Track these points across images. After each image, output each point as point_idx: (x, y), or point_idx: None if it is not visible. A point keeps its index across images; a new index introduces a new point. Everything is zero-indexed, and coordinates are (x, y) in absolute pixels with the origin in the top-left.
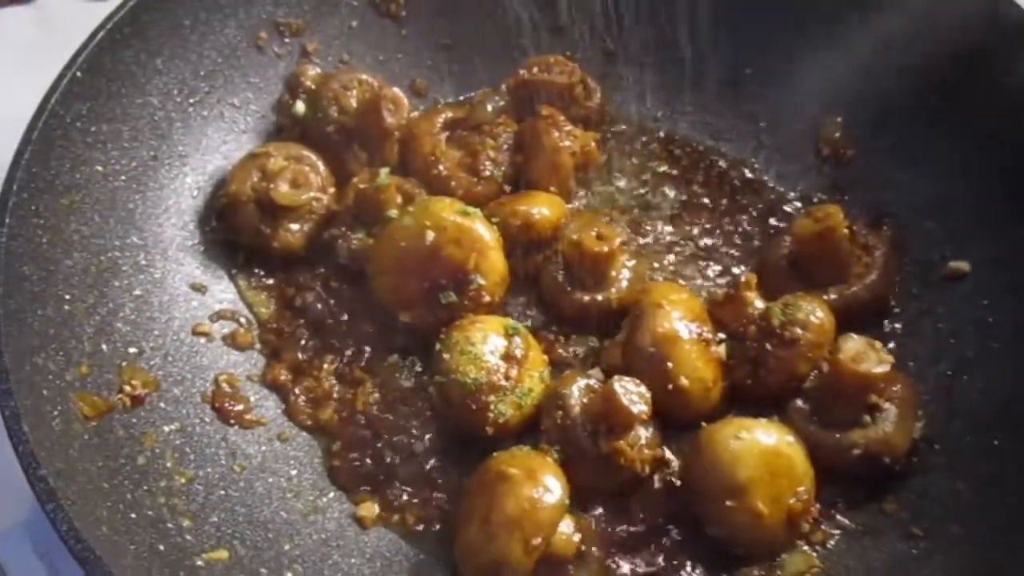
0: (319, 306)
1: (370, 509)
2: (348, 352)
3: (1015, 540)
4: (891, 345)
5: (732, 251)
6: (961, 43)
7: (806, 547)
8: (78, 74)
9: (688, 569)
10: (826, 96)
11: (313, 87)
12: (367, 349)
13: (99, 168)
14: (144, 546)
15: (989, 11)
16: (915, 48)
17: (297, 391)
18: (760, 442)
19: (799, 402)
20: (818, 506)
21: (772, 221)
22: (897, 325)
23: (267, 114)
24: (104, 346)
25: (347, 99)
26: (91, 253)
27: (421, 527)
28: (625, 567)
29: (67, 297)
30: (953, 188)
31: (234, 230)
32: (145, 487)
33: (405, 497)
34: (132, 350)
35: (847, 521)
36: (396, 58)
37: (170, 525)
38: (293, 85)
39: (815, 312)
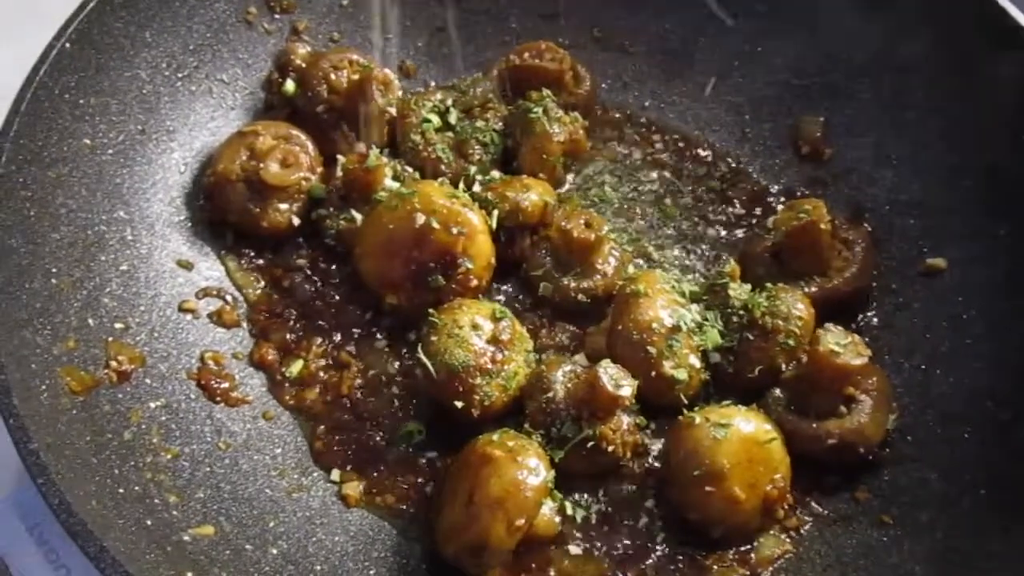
0: (307, 287)
1: (355, 488)
2: (336, 335)
3: (980, 528)
4: (867, 338)
5: (717, 240)
6: (943, 43)
7: (780, 532)
8: (67, 45)
9: (665, 551)
10: (808, 94)
11: (303, 66)
12: (355, 332)
13: (87, 141)
14: (132, 521)
15: (971, 11)
16: (897, 48)
17: (284, 372)
18: (739, 430)
19: (777, 391)
20: (793, 493)
21: (756, 212)
22: (874, 318)
23: (256, 91)
24: (91, 320)
25: (337, 79)
26: (78, 227)
27: (404, 507)
28: (604, 549)
29: (54, 271)
30: (933, 187)
31: (222, 209)
32: (132, 463)
33: (388, 479)
34: (118, 325)
35: (820, 508)
36: (387, 39)
37: (157, 501)
38: (283, 63)
39: (796, 304)
